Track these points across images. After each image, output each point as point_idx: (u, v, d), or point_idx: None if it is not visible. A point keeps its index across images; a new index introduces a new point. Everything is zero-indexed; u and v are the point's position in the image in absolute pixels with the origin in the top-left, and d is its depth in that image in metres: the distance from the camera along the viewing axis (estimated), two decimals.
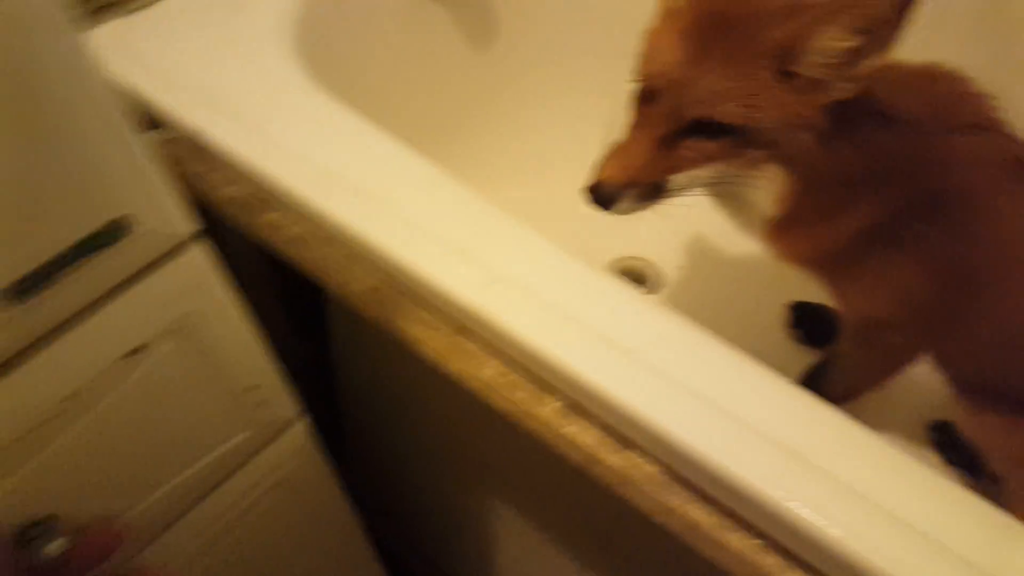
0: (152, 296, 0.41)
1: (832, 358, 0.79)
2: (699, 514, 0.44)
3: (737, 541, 0.43)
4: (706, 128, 0.57)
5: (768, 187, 0.62)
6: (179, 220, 0.41)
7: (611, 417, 0.46)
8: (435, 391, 0.72)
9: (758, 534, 0.43)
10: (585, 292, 0.51)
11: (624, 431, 0.46)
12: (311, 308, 0.85)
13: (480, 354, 0.52)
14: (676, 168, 0.59)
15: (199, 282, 0.44)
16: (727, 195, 0.66)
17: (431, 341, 0.53)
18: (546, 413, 0.48)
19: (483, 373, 0.51)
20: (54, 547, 0.42)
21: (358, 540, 0.75)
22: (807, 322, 0.90)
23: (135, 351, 0.42)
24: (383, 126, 0.62)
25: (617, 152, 0.60)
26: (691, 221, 0.97)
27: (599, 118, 0.94)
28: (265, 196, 0.59)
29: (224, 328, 0.47)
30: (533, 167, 0.97)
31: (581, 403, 0.48)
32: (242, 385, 0.50)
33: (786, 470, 0.42)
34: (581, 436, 0.47)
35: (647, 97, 0.59)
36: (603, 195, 0.59)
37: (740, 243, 0.96)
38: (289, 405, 0.56)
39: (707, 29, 0.56)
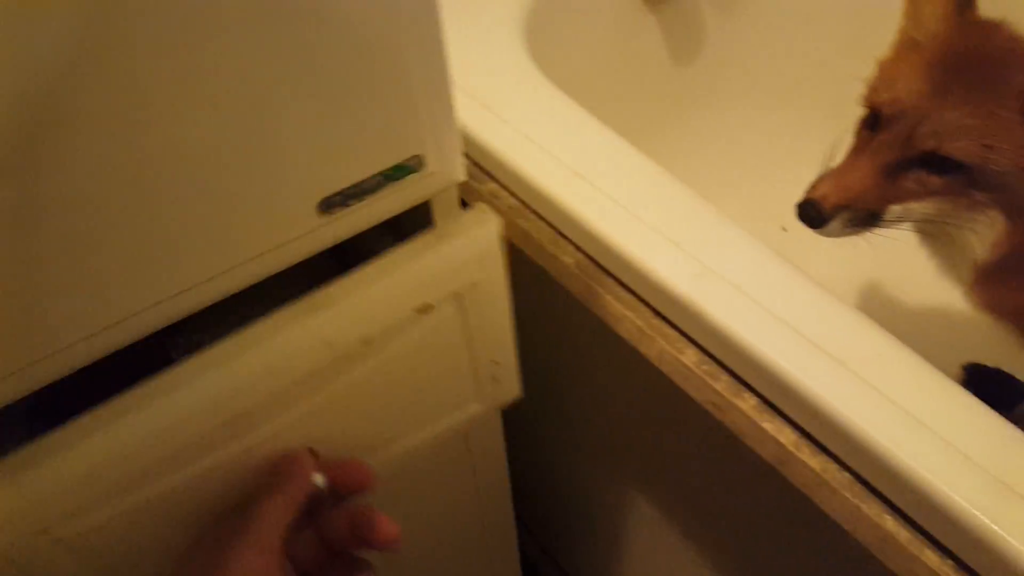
0: (451, 260, 0.45)
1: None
2: (893, 526, 0.44)
3: (931, 559, 0.43)
4: (935, 162, 0.57)
5: (984, 231, 0.61)
6: (458, 168, 0.45)
7: (813, 420, 0.47)
8: (607, 377, 0.74)
9: (953, 555, 0.43)
10: (796, 295, 0.52)
11: (823, 434, 0.47)
12: None
13: (679, 341, 0.54)
14: (895, 199, 0.59)
15: (488, 254, 0.47)
16: (937, 234, 0.65)
17: (632, 321, 0.56)
18: (746, 406, 0.50)
19: (684, 358, 0.53)
20: (316, 478, 0.44)
21: (508, 514, 0.77)
22: (981, 385, 0.86)
23: (424, 308, 0.46)
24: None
25: (836, 173, 0.60)
26: (870, 263, 0.96)
27: (789, 144, 0.95)
28: (488, 167, 0.64)
29: (492, 301, 0.50)
30: (719, 181, 0.98)
31: (777, 403, 0.50)
32: (488, 358, 0.53)
33: (996, 496, 0.42)
34: (779, 433, 0.49)
35: (875, 123, 0.60)
36: (815, 213, 0.60)
37: (918, 295, 0.94)
38: (516, 386, 0.57)
39: (953, 63, 0.56)
